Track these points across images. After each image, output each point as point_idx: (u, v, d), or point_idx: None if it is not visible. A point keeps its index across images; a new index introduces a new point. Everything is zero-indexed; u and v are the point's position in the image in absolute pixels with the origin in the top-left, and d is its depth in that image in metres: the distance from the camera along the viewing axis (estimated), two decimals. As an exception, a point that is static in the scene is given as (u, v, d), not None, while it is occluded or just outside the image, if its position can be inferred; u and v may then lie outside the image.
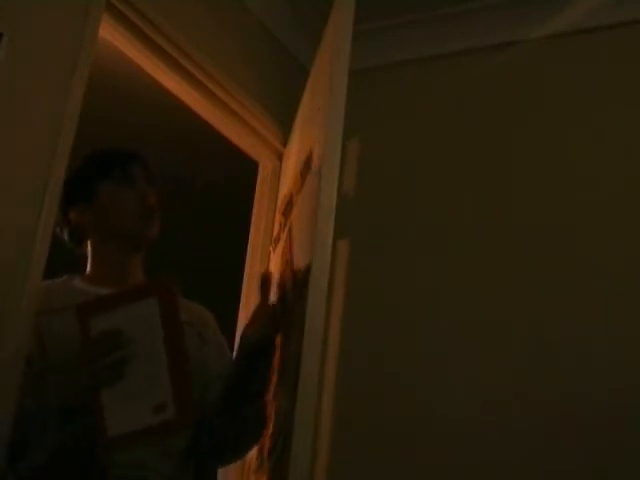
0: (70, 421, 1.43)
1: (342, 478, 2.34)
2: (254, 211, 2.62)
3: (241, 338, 1.71)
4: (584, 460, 2.09)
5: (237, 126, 2.54)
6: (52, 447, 1.44)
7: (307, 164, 1.87)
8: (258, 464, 1.89)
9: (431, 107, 2.66)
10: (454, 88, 2.62)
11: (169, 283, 1.41)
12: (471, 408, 2.26)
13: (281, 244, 2.09)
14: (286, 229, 2.05)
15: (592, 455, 2.08)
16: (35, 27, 1.76)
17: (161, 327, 1.38)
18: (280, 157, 2.64)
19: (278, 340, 1.73)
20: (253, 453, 1.96)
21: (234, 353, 1.78)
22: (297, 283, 1.72)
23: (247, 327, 1.71)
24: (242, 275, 2.55)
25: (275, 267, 2.12)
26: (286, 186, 2.30)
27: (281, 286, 1.83)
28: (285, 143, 2.60)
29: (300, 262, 1.74)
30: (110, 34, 2.09)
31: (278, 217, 2.32)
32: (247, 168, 2.73)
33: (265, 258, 2.48)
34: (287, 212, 2.11)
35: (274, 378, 1.74)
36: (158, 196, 1.73)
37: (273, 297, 1.77)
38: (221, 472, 2.34)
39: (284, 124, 2.57)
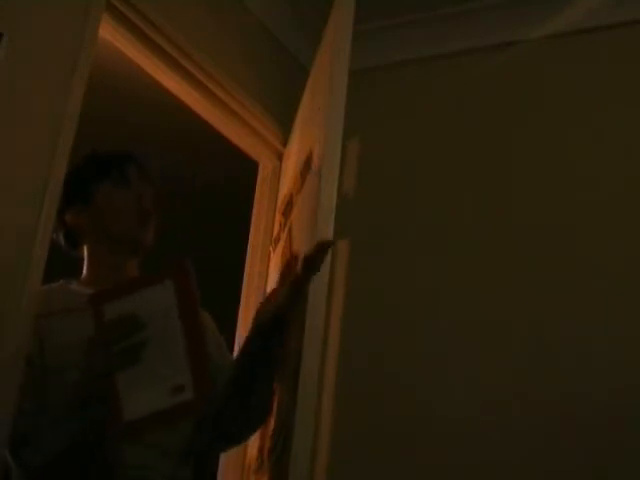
0: (77, 416, 1.41)
1: (342, 478, 2.34)
2: (254, 211, 2.62)
3: (256, 314, 1.69)
4: (584, 460, 2.09)
5: (237, 126, 2.54)
6: (58, 443, 1.42)
7: (307, 164, 1.87)
8: (258, 464, 1.89)
9: (431, 107, 2.66)
10: (454, 88, 2.62)
11: (184, 264, 1.40)
12: (471, 408, 2.26)
13: (281, 244, 2.09)
14: (286, 229, 2.05)
15: (592, 455, 2.08)
16: (35, 27, 1.76)
17: (177, 309, 1.36)
18: (280, 157, 2.64)
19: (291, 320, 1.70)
20: (253, 453, 1.96)
21: (247, 333, 1.74)
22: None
23: (262, 304, 1.69)
24: (242, 275, 2.55)
25: (275, 267, 2.12)
26: (286, 186, 2.30)
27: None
28: (285, 143, 2.60)
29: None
30: (110, 34, 2.08)
31: (278, 217, 2.32)
32: (247, 168, 2.73)
33: (265, 258, 2.48)
34: (287, 212, 2.11)
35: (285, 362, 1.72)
36: (155, 197, 1.73)
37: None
38: (221, 472, 2.35)
39: (284, 124, 2.57)
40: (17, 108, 1.70)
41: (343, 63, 1.74)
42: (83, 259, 1.73)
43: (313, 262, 1.54)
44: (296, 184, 2.02)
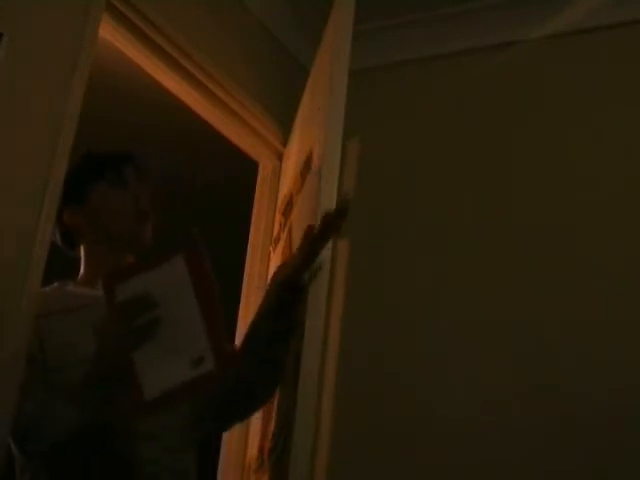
0: (91, 399, 1.39)
1: (342, 478, 2.34)
2: (254, 211, 2.62)
3: (273, 276, 1.68)
4: (584, 460, 2.09)
5: (237, 126, 2.54)
6: (68, 428, 1.40)
7: (307, 164, 1.87)
8: (258, 464, 1.89)
9: (431, 107, 2.66)
10: (454, 88, 2.62)
11: (194, 237, 1.39)
12: (471, 408, 2.26)
13: (281, 244, 2.09)
14: (286, 229, 2.05)
15: (592, 455, 2.08)
16: (35, 27, 1.76)
17: (191, 283, 1.35)
18: (280, 157, 2.64)
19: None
20: (253, 453, 1.96)
21: (263, 299, 1.73)
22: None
23: (279, 267, 1.68)
24: (242, 275, 2.55)
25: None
26: (286, 186, 2.30)
27: None
28: (285, 143, 2.60)
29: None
30: (110, 34, 2.08)
31: (278, 217, 2.32)
32: (247, 168, 2.73)
33: (265, 258, 2.48)
34: (287, 212, 2.11)
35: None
36: (152, 197, 1.72)
37: None
38: (221, 472, 2.35)
39: (284, 124, 2.57)
40: (17, 108, 1.70)
41: (343, 63, 1.73)
42: (80, 259, 1.72)
43: (332, 221, 1.52)
44: (296, 184, 2.02)
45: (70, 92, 1.80)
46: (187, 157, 3.69)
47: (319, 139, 1.74)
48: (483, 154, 2.53)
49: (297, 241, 1.84)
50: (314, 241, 1.56)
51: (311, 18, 2.68)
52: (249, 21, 2.57)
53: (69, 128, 1.78)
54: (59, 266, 1.73)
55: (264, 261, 2.48)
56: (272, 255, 2.30)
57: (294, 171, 2.14)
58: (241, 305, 2.51)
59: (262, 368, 1.64)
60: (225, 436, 2.37)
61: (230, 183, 3.57)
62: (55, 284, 1.68)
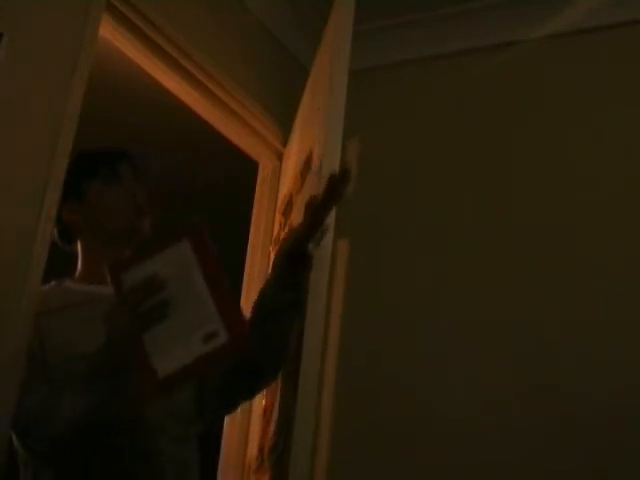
0: (100, 386, 1.39)
1: (342, 478, 2.34)
2: (254, 211, 2.62)
3: (280, 245, 1.69)
4: (584, 460, 2.09)
5: (237, 126, 2.54)
6: (71, 420, 1.40)
7: (307, 164, 1.87)
8: (258, 464, 1.90)
9: (431, 107, 2.66)
10: (454, 88, 2.62)
11: (198, 226, 1.39)
12: (471, 408, 2.26)
13: (281, 244, 2.09)
14: (286, 229, 2.05)
15: (592, 455, 2.08)
16: (35, 27, 1.76)
17: (197, 263, 1.35)
18: (280, 157, 2.64)
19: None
20: (253, 453, 1.96)
21: (270, 269, 1.74)
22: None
23: (285, 235, 1.70)
24: (242, 275, 2.55)
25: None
26: (286, 186, 2.30)
27: None
28: (285, 143, 2.60)
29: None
30: (110, 34, 2.08)
31: (278, 217, 2.32)
32: (247, 168, 2.73)
33: (265, 258, 2.48)
34: (287, 212, 2.11)
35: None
36: (149, 195, 1.72)
37: None
38: (221, 472, 2.35)
39: (284, 124, 2.57)
40: (17, 108, 1.70)
41: (343, 63, 1.74)
42: (76, 254, 1.72)
43: (336, 185, 1.53)
44: (296, 184, 2.02)
45: (70, 92, 1.80)
46: (187, 157, 3.69)
47: (319, 139, 1.75)
48: (483, 154, 2.53)
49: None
50: (317, 210, 1.60)
51: (311, 18, 2.68)
52: (249, 21, 2.57)
53: (69, 128, 1.78)
54: (54, 264, 1.73)
55: (264, 261, 2.48)
56: (272, 255, 2.30)
57: (294, 171, 2.14)
58: (241, 305, 2.51)
59: (266, 343, 1.65)
60: (225, 436, 2.37)
61: (230, 183, 3.56)
62: (52, 282, 1.69)
